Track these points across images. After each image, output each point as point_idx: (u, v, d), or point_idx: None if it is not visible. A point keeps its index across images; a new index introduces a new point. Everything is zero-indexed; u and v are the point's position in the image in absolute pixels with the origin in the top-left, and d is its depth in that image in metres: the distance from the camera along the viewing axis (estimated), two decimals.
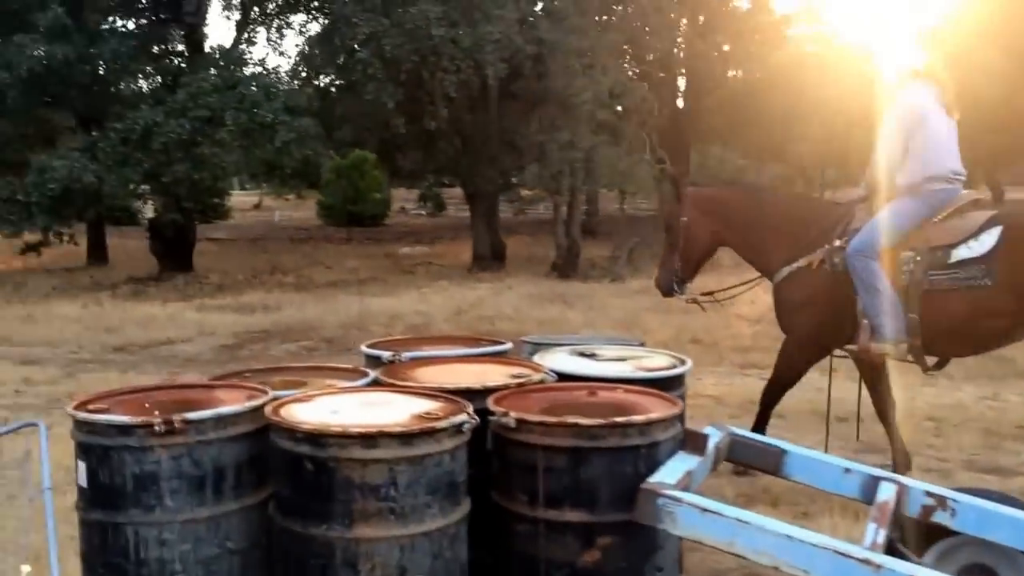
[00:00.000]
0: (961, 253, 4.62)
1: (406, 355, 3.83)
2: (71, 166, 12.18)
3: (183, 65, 15.54)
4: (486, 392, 3.20)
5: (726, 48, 24.06)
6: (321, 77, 15.18)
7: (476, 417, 2.85)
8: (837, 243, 4.91)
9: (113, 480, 2.72)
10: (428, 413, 2.84)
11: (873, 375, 5.20)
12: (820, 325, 5.01)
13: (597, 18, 15.45)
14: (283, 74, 13.76)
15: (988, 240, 4.58)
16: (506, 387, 3.30)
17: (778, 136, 20.78)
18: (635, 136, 15.04)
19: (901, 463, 5.02)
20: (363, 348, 4.02)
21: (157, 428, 2.67)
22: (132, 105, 13.64)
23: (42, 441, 3.85)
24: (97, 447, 2.74)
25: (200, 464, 2.77)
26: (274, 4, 17.41)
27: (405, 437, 2.67)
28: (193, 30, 17.00)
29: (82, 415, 2.76)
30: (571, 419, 2.94)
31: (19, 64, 12.99)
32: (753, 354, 8.88)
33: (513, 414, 2.95)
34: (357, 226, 31.10)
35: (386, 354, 3.86)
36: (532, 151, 14.54)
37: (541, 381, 3.46)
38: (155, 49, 15.53)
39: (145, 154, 12.64)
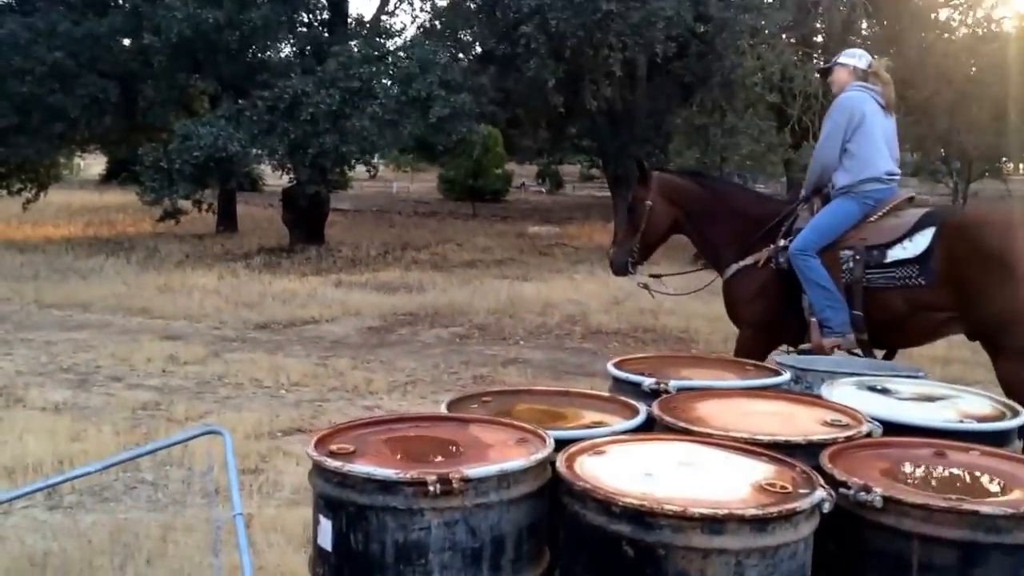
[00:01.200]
0: (896, 253, 4.90)
1: (673, 384, 3.15)
2: (216, 134, 11.95)
3: (327, 34, 15.22)
4: (809, 448, 2.52)
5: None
6: (475, 50, 14.68)
7: (833, 493, 2.17)
8: (782, 242, 5.21)
9: (368, 548, 2.14)
10: (773, 484, 2.17)
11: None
12: (768, 321, 5.31)
13: None
14: (435, 46, 13.22)
15: (922, 240, 4.83)
16: (833, 441, 2.60)
17: (943, 125, 19.34)
18: (798, 121, 14.00)
19: None
20: (610, 369, 3.37)
21: (431, 488, 2.07)
22: (278, 73, 13.36)
23: (228, 456, 3.35)
24: (350, 505, 2.16)
25: (477, 533, 2.16)
26: None
27: (759, 522, 2.01)
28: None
29: (332, 464, 2.18)
30: (966, 503, 2.21)
31: (168, 28, 12.85)
32: (953, 367, 7.90)
33: (878, 490, 2.24)
34: (478, 201, 30.81)
35: (647, 381, 3.19)
36: (689, 134, 13.69)
37: (869, 433, 2.75)
38: (303, 17, 15.22)
39: (292, 124, 12.32)
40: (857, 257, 5.02)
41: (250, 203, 27.03)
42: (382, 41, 13.48)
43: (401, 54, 12.59)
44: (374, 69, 12.32)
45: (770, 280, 5.27)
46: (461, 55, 14.51)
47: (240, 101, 13.06)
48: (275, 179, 17.84)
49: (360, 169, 17.06)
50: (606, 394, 3.18)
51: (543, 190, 44.84)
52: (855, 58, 5.33)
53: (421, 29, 15.65)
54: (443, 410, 2.97)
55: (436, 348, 8.96)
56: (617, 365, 3.45)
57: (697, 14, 12.88)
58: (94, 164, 46.59)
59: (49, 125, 14.51)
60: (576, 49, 11.53)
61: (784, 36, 15.28)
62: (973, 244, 4.73)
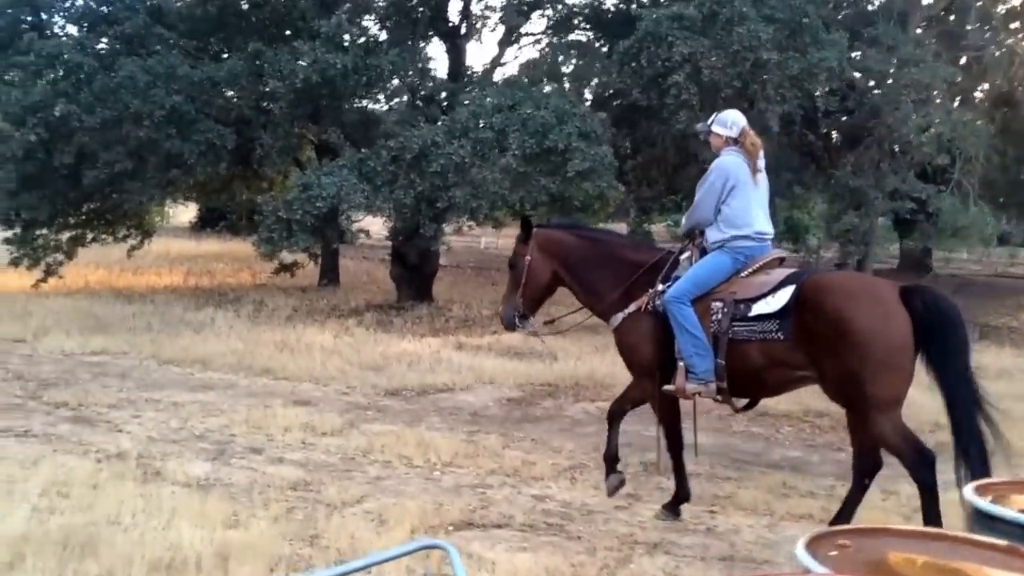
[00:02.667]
0: (760, 308, 5.29)
1: None
2: (339, 184, 11.62)
3: (451, 82, 14.97)
4: None
5: None
6: (612, 102, 14.26)
7: None
8: (660, 287, 5.63)
9: None
10: None
11: (669, 411, 5.88)
12: (653, 363, 5.68)
13: (933, 47, 13.66)
14: (571, 96, 12.85)
15: (782, 298, 5.22)
16: None
17: None
18: (963, 184, 13.14)
19: (681, 495, 5.87)
20: (972, 498, 2.69)
21: None
22: (400, 122, 13.07)
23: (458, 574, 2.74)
24: None
25: None
26: (548, 18, 16.69)
27: None
28: (456, 45, 16.54)
29: None
30: None
31: (294, 73, 12.68)
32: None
33: None
34: None
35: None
36: (841, 194, 12.93)
37: None
38: (423, 65, 15.01)
39: (418, 176, 11.95)
40: (725, 309, 5.41)
41: (344, 255, 26.97)
42: (515, 90, 13.02)
43: (539, 104, 12.07)
44: (506, 119, 11.90)
45: (653, 325, 5.67)
46: (588, 103, 14.03)
47: (363, 150, 12.75)
48: (377, 231, 17.52)
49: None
50: (999, 542, 2.49)
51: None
52: (726, 127, 5.73)
53: (545, 78, 15.24)
54: (802, 551, 2.33)
55: (588, 426, 8.32)
56: (977, 492, 2.77)
57: (856, 66, 12.22)
58: (182, 212, 47.57)
59: (163, 171, 14.44)
60: (730, 101, 10.94)
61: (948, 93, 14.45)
62: (819, 305, 5.12)
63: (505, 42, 17.22)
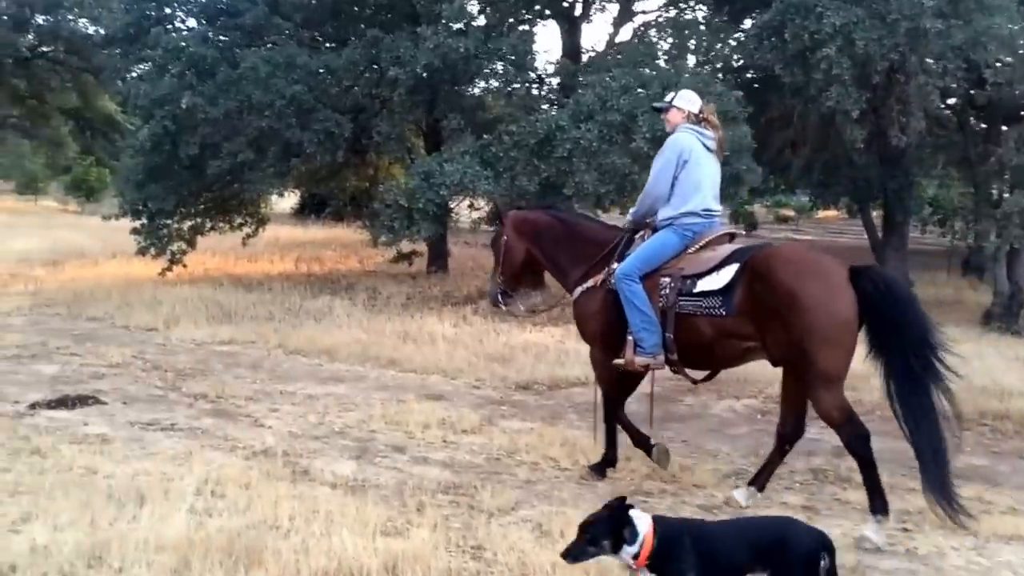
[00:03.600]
0: (705, 283, 5.49)
1: None
2: (463, 171, 11.37)
3: (572, 64, 14.55)
4: None
5: None
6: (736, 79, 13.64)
7: None
8: (615, 266, 5.87)
9: None
10: None
11: (602, 378, 6.27)
12: (606, 336, 5.96)
13: None
14: (707, 76, 12.29)
15: (727, 274, 5.43)
16: None
17: None
18: None
19: (609, 458, 6.25)
20: None
21: None
22: (522, 106, 12.74)
23: None
24: None
25: None
26: None
27: None
28: (572, 26, 16.13)
29: None
30: None
31: (415, 59, 12.47)
32: None
33: None
34: None
35: None
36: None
37: None
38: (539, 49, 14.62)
39: (543, 162, 11.61)
40: (673, 284, 5.65)
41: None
42: (640, 67, 12.55)
43: (657, 85, 11.58)
44: (634, 100, 11.44)
45: (607, 300, 5.94)
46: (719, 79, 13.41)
47: (484, 136, 12.48)
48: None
49: None
50: None
51: (743, 232, 43.01)
52: (689, 102, 5.98)
53: (666, 56, 14.68)
54: None
55: (739, 426, 7.91)
56: None
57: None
58: (282, 199, 48.27)
59: (283, 160, 14.45)
60: (885, 74, 10.25)
61: None
62: (767, 279, 5.29)
63: (620, 21, 16.74)
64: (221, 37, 15.72)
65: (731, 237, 6.03)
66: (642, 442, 6.31)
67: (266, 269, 19.10)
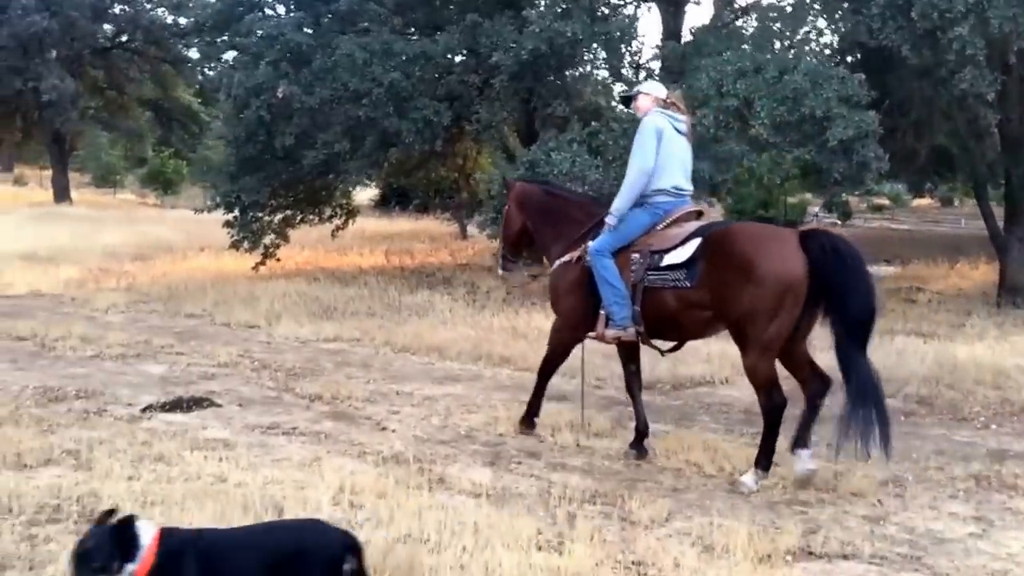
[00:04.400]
0: (670, 258, 6.03)
1: None
2: (571, 160, 11.12)
3: (679, 48, 14.19)
4: None
5: None
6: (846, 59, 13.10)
7: None
8: (590, 243, 6.37)
9: None
10: None
11: (626, 356, 6.84)
12: (578, 310, 6.53)
13: None
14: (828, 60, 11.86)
15: (690, 248, 5.96)
16: None
17: None
18: None
19: (642, 431, 6.65)
20: None
21: None
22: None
23: None
24: None
25: None
26: None
27: None
28: (676, 8, 15.74)
29: None
30: None
31: (521, 44, 12.25)
32: None
33: None
34: None
35: None
36: None
37: None
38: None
39: None
40: (642, 260, 6.09)
41: None
42: (754, 51, 12.15)
43: (787, 67, 11.16)
44: (750, 85, 11.06)
45: (582, 276, 6.42)
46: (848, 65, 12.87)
47: (592, 123, 12.21)
48: None
49: None
50: None
51: (838, 222, 41.90)
52: (655, 89, 6.56)
53: (778, 39, 14.22)
54: None
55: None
56: None
57: None
58: (361, 191, 48.59)
59: (380, 149, 14.39)
60: (1020, 55, 9.71)
61: None
62: (725, 251, 5.79)
63: (724, 2, 16.27)
64: (315, 24, 15.68)
65: (699, 215, 6.51)
66: (535, 409, 7.11)
67: (356, 262, 19.13)
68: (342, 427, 7.11)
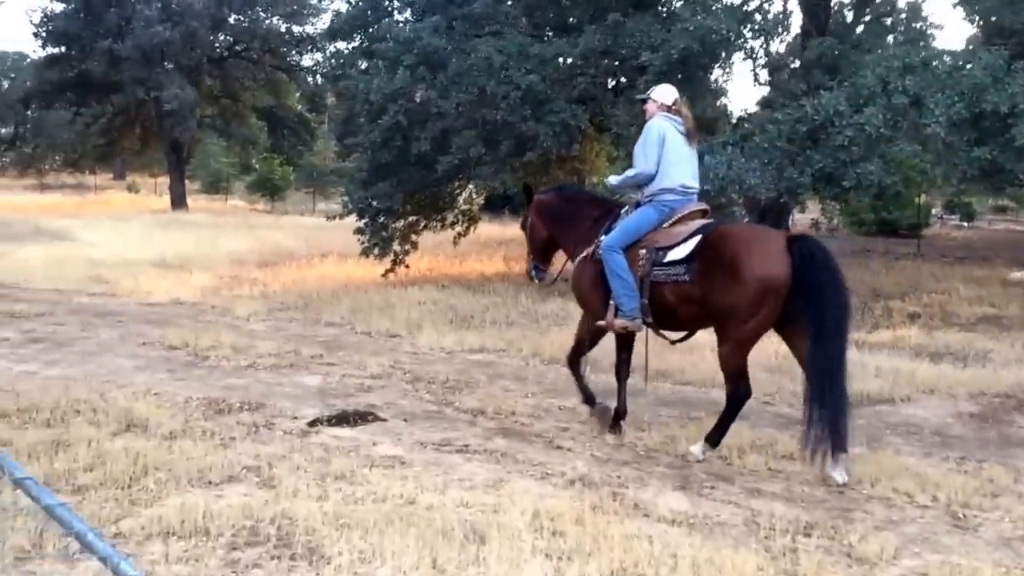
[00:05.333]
0: (673, 254, 6.52)
1: None
2: (728, 163, 10.71)
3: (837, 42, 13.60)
4: None
5: None
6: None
7: None
8: (602, 238, 6.89)
9: None
10: None
11: (622, 344, 7.32)
12: (600, 303, 6.97)
13: None
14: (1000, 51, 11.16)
15: (690, 245, 6.46)
16: None
17: None
18: None
19: (621, 412, 7.27)
20: None
21: None
22: (781, 91, 11.97)
23: None
24: None
25: None
26: None
27: None
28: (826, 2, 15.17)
29: None
30: None
31: (667, 43, 11.90)
32: None
33: None
34: (890, 236, 28.18)
35: None
36: None
37: None
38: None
39: (817, 151, 10.80)
40: (648, 255, 6.57)
41: None
42: (917, 44, 11.55)
43: (961, 61, 10.55)
44: (920, 81, 10.48)
45: (596, 270, 6.89)
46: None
47: (745, 125, 11.78)
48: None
49: None
50: None
51: (964, 224, 40.20)
52: (662, 95, 6.91)
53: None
54: None
55: None
56: None
57: None
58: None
59: (517, 154, 14.21)
60: None
61: None
62: (719, 251, 6.31)
63: None
64: (448, 28, 15.60)
65: (704, 213, 6.93)
66: (589, 398, 7.44)
67: (478, 269, 19.03)
68: (515, 445, 6.88)
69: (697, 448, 6.64)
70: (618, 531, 5.04)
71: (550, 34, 15.59)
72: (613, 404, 7.37)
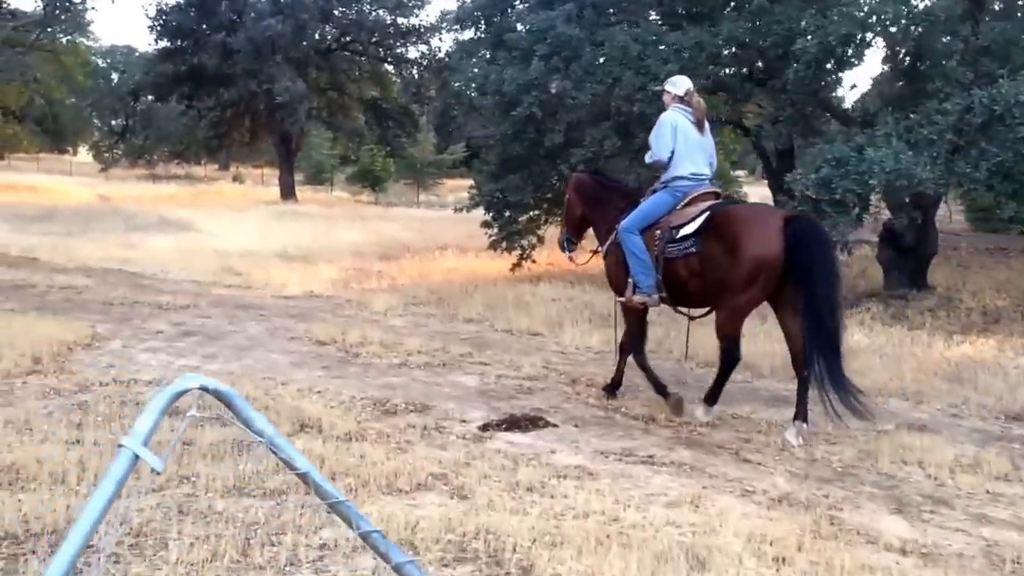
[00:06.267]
0: (683, 231, 7.10)
1: None
2: (895, 156, 10.09)
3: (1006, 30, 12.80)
4: None
5: None
6: None
7: None
8: (624, 222, 7.47)
9: None
10: None
11: (630, 320, 7.90)
12: (620, 279, 7.64)
13: None
14: None
15: (698, 221, 7.04)
16: None
17: None
18: None
19: (616, 382, 8.13)
20: None
21: None
22: (951, 78, 11.25)
23: None
24: None
25: None
26: None
27: None
28: None
29: None
30: None
31: (823, 29, 11.30)
32: None
33: None
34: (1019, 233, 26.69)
35: None
36: None
37: None
38: None
39: (995, 144, 10.11)
40: (663, 235, 7.25)
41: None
42: None
43: None
44: None
45: (620, 251, 7.58)
46: None
47: (910, 115, 11.13)
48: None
49: None
50: None
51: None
52: (675, 86, 7.49)
53: None
54: None
55: None
56: None
57: None
58: None
59: (648, 147, 13.74)
60: None
61: None
62: (721, 228, 6.94)
63: None
64: (578, 16, 15.22)
65: (716, 196, 7.46)
66: (660, 388, 7.75)
67: (594, 263, 18.60)
68: (701, 457, 6.49)
69: (700, 411, 7.31)
70: (847, 560, 4.62)
71: (677, 23, 15.04)
72: (684, 391, 7.86)
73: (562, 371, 9.10)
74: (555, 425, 7.15)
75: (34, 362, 8.04)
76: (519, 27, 14.57)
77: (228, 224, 24.90)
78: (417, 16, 40.26)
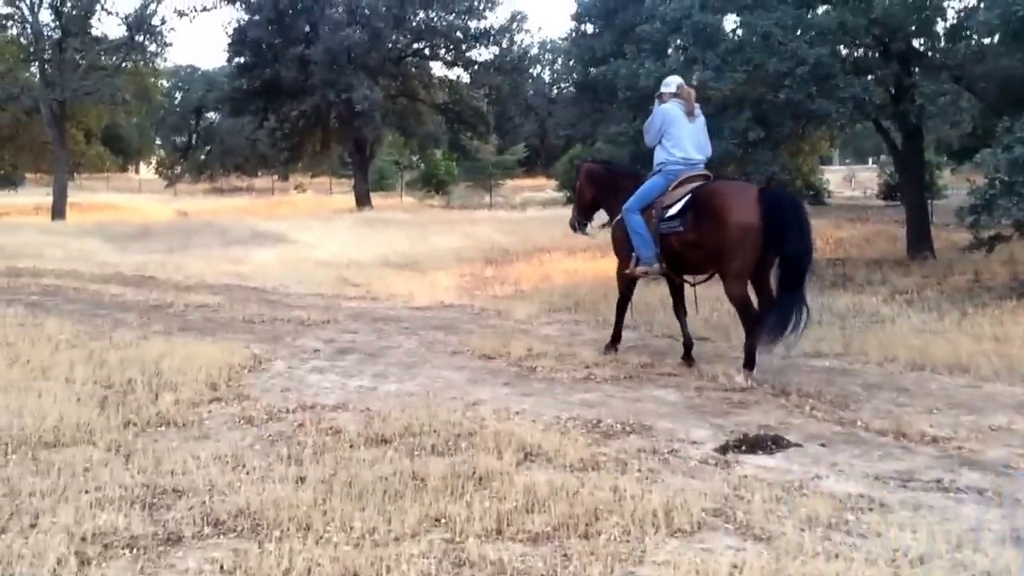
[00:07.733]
0: (672, 209, 8.12)
1: None
2: None
3: None
4: None
5: None
6: None
7: None
8: (626, 204, 8.59)
9: None
10: None
11: (673, 290, 9.08)
12: (624, 253, 8.82)
13: None
14: None
15: (685, 200, 8.05)
16: None
17: None
18: None
19: (688, 345, 8.83)
20: None
21: None
22: None
23: None
24: None
25: None
26: None
27: None
28: None
29: None
30: None
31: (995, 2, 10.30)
32: None
33: None
34: None
35: None
36: None
37: None
38: None
39: None
40: (657, 214, 8.25)
41: (824, 216, 23.89)
42: None
43: None
44: None
45: (624, 228, 8.68)
46: None
47: None
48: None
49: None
50: None
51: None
52: (668, 86, 8.64)
53: None
54: None
55: None
56: None
57: None
58: None
59: (792, 137, 12.82)
60: None
61: None
62: (705, 204, 7.91)
63: None
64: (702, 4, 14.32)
65: (705, 179, 8.33)
66: (617, 338, 9.28)
67: None
68: (994, 480, 5.56)
69: (740, 378, 7.88)
70: None
71: (817, 3, 14.05)
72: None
73: (761, 381, 8.17)
74: (798, 445, 6.29)
75: (211, 388, 7.40)
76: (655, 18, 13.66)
77: (320, 234, 24.39)
78: (486, 19, 39.37)
